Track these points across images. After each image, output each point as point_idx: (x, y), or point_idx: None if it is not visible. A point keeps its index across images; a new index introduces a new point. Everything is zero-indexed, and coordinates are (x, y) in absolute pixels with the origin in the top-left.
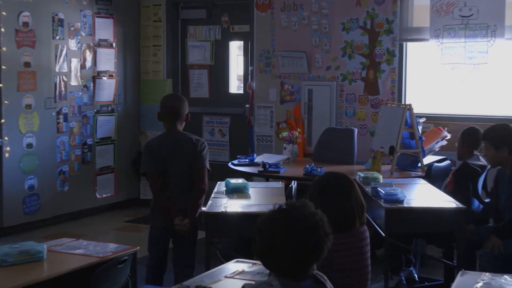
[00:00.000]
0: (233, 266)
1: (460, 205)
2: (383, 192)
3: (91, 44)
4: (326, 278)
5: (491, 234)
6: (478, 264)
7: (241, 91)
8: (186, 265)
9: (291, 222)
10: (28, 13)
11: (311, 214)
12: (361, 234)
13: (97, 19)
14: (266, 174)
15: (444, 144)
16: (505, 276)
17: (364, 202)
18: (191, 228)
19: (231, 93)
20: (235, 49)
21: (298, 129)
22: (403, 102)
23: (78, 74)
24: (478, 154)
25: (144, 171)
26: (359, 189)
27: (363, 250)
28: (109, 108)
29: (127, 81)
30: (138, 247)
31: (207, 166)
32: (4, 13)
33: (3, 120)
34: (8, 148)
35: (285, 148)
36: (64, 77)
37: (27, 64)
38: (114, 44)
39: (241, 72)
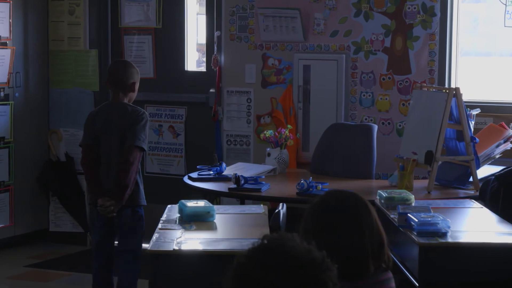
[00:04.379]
0: None
1: None
2: (417, 220)
3: None
4: None
5: None
6: None
7: (203, 69)
8: (124, 272)
9: (293, 261)
10: None
11: (312, 249)
12: (381, 284)
13: None
14: (241, 193)
15: (509, 148)
16: None
17: (385, 235)
18: (128, 214)
19: (188, 72)
20: (194, 4)
21: (289, 126)
22: (446, 85)
23: None
24: None
25: (79, 143)
26: (377, 215)
27: None
28: (1, 94)
29: (29, 53)
30: None
31: (139, 143)
32: None
33: None
34: None
35: (269, 155)
36: None
37: None
38: None
39: (203, 40)
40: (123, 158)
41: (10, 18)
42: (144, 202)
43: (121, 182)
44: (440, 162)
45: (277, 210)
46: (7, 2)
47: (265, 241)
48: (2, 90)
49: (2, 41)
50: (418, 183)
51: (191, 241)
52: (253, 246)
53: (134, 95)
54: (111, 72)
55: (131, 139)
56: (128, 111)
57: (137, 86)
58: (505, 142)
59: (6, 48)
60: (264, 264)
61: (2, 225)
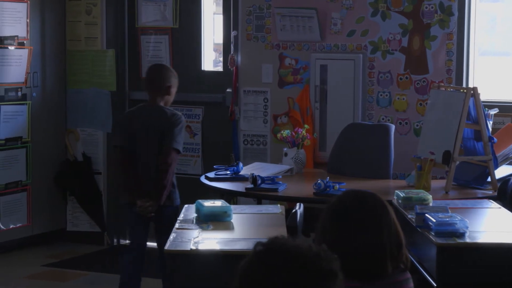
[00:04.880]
0: None
1: None
2: (434, 220)
3: None
4: None
5: None
6: None
7: (220, 68)
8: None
9: (300, 258)
10: None
11: (312, 245)
12: (400, 285)
13: None
14: (258, 193)
15: None
16: None
17: (403, 235)
18: (169, 214)
19: (204, 71)
20: (211, 4)
21: (306, 126)
22: (464, 85)
23: None
24: None
25: (112, 144)
26: (395, 215)
27: None
28: (19, 94)
29: (47, 53)
30: None
31: (176, 146)
32: None
33: None
34: None
35: (286, 155)
36: None
37: None
38: None
39: (220, 40)
40: (162, 160)
41: (27, 18)
42: (179, 201)
43: (159, 183)
44: (458, 162)
45: (294, 210)
46: (25, 2)
47: (268, 242)
48: (19, 90)
49: (19, 41)
50: (436, 183)
51: (208, 241)
52: (256, 248)
53: (170, 99)
54: (148, 75)
55: (170, 142)
56: (167, 115)
57: (173, 90)
58: None
59: (24, 48)
60: (274, 265)
61: (19, 225)
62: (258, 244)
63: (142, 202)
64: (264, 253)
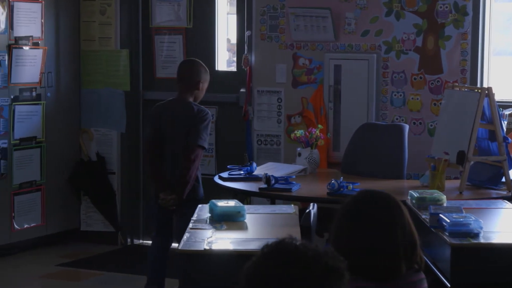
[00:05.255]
0: None
1: None
2: (448, 220)
3: None
4: None
5: None
6: None
7: (234, 68)
8: None
9: (308, 256)
10: None
11: (318, 246)
12: (414, 285)
13: None
14: (272, 193)
15: None
16: None
17: (417, 235)
18: (190, 207)
19: (218, 72)
20: (224, 4)
21: (320, 126)
22: (479, 85)
23: None
24: None
25: (144, 135)
26: (409, 216)
27: None
28: (34, 94)
29: (61, 53)
30: None
31: (201, 142)
32: None
33: None
34: None
35: (299, 155)
36: None
37: None
38: None
39: (234, 40)
40: (186, 156)
41: (42, 18)
42: (202, 195)
43: (182, 178)
44: (472, 162)
45: (307, 210)
46: (39, 3)
47: (275, 243)
48: (34, 90)
49: (34, 41)
50: (450, 183)
51: (222, 241)
52: (263, 250)
53: (200, 94)
54: (179, 69)
55: (195, 139)
56: (194, 111)
57: (203, 85)
58: None
59: (38, 48)
60: (281, 265)
61: (34, 224)
62: (265, 246)
63: (164, 195)
64: (271, 254)
